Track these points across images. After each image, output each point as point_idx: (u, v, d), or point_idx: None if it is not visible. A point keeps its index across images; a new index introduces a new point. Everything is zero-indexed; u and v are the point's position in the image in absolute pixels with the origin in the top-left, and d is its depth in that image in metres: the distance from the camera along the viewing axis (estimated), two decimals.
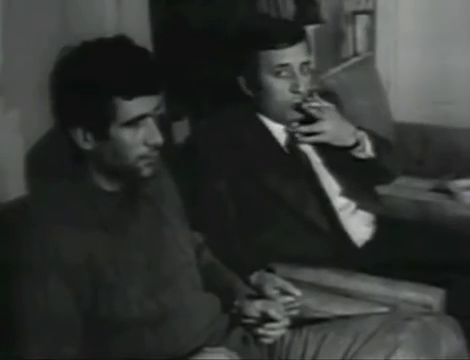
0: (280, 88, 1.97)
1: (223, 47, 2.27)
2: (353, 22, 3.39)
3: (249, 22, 2.50)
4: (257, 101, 2.03)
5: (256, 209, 1.98)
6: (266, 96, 2.00)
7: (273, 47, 1.95)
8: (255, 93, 2.02)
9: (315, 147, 2.10)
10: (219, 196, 1.96)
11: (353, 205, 2.12)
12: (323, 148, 2.07)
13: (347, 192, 2.11)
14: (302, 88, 1.96)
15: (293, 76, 1.96)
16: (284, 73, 1.96)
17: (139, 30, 2.05)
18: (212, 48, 2.47)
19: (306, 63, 1.99)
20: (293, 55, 1.96)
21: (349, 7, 3.39)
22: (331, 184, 2.09)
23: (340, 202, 2.09)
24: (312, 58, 2.07)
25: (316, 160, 2.10)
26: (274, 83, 1.98)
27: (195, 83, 2.50)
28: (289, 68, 1.96)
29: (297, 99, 1.97)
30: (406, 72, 3.34)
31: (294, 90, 1.96)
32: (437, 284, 1.86)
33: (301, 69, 1.97)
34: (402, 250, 2.02)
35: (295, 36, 1.98)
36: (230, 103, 2.10)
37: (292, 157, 2.06)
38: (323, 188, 2.06)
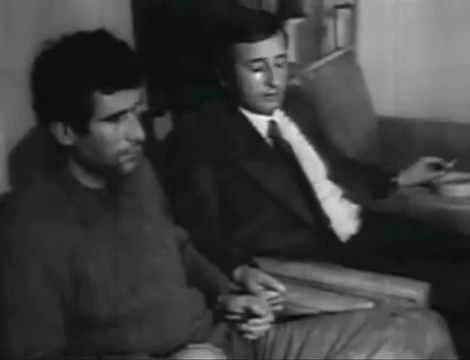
0: (255, 81, 1.98)
1: (200, 39, 2.27)
2: (335, 16, 3.40)
3: (225, 14, 2.50)
4: (233, 93, 2.03)
5: (240, 202, 1.98)
6: (242, 88, 2.00)
7: (247, 40, 1.95)
8: (231, 85, 2.02)
9: (305, 133, 2.12)
10: (202, 189, 1.95)
11: (340, 192, 2.13)
12: (313, 134, 2.12)
13: (335, 177, 2.13)
14: (276, 81, 1.97)
15: (268, 69, 1.97)
16: (259, 66, 1.97)
17: (121, 23, 2.04)
18: (191, 40, 2.46)
19: (281, 56, 1.99)
20: (268, 48, 1.96)
21: (330, 1, 3.40)
22: (320, 169, 2.11)
23: (327, 189, 2.10)
24: (287, 51, 2.04)
25: (302, 146, 2.10)
26: (249, 76, 1.98)
27: (176, 76, 2.49)
28: (264, 61, 1.96)
29: (271, 91, 1.98)
30: (387, 66, 3.34)
31: (268, 83, 1.97)
32: (421, 277, 1.86)
33: (276, 62, 1.97)
34: (386, 243, 2.02)
35: (269, 29, 1.97)
36: (211, 95, 2.10)
37: (274, 147, 2.07)
38: (308, 179, 2.06)
